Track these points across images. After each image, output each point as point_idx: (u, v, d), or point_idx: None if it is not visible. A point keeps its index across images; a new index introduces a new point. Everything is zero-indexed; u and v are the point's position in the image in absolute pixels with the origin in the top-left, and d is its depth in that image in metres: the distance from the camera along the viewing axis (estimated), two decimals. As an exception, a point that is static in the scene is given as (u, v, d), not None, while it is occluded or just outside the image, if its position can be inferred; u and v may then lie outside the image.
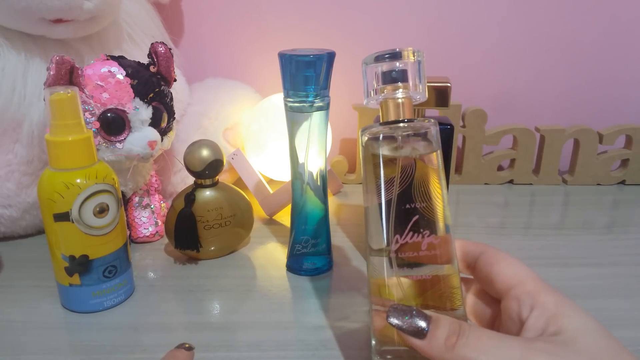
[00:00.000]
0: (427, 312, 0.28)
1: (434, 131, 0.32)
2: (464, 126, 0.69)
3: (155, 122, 0.49)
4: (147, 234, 0.53)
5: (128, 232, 0.50)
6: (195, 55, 0.72)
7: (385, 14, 0.70)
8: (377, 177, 0.32)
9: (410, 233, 0.31)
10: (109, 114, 0.46)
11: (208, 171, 0.48)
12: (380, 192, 0.32)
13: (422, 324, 0.28)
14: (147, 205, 0.54)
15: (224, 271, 0.49)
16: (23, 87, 0.49)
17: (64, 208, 0.38)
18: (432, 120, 0.33)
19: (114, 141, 0.47)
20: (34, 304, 0.43)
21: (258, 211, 0.60)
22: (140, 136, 0.48)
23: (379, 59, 0.33)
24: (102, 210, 0.40)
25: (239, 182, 0.62)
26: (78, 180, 0.38)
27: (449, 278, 0.32)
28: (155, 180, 0.56)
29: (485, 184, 0.72)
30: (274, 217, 0.61)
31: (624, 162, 0.70)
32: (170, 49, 0.50)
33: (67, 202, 0.38)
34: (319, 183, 0.46)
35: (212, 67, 0.73)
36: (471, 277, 0.34)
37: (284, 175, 0.64)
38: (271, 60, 0.45)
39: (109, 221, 0.40)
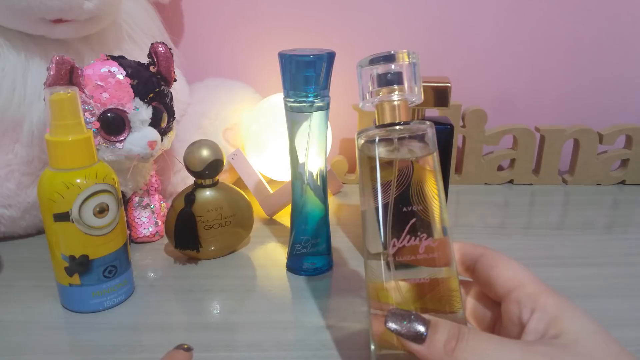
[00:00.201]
0: (426, 316, 0.28)
1: (430, 133, 0.32)
2: (464, 126, 0.69)
3: (155, 122, 0.49)
4: (147, 234, 0.53)
5: (128, 232, 0.50)
6: (195, 55, 0.72)
7: (385, 14, 0.70)
8: (374, 180, 0.32)
9: (408, 237, 0.31)
10: (109, 114, 0.46)
11: (208, 171, 0.48)
12: (377, 196, 0.31)
13: (421, 328, 0.27)
14: (147, 205, 0.54)
15: (224, 271, 0.49)
16: (23, 87, 0.49)
17: (64, 208, 0.38)
18: (429, 122, 0.32)
19: (114, 141, 0.47)
20: (34, 304, 0.43)
21: (258, 211, 0.60)
22: (140, 136, 0.48)
23: (373, 61, 0.33)
24: (102, 210, 0.40)
25: (239, 182, 0.62)
26: (78, 180, 0.38)
27: (447, 281, 0.31)
28: (155, 180, 0.56)
29: (485, 184, 0.72)
30: (274, 217, 0.61)
31: (624, 162, 0.70)
32: (170, 49, 0.50)
33: (67, 202, 0.38)
34: (319, 183, 0.46)
35: (212, 67, 0.73)
36: (470, 279, 0.34)
37: (284, 175, 0.64)
38: (271, 60, 0.45)
39: (109, 221, 0.40)
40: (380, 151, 0.32)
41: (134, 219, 0.53)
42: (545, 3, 0.70)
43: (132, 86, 0.47)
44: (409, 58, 0.32)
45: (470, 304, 0.34)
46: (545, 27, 0.71)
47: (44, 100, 0.44)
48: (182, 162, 0.49)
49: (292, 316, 0.42)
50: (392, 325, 0.28)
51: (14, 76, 0.48)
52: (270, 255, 0.52)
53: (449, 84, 0.46)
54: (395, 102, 0.32)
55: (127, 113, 0.47)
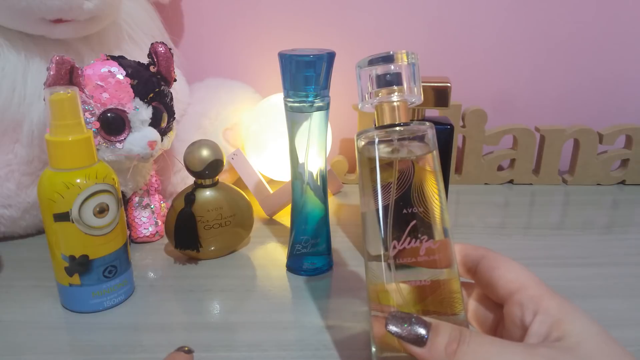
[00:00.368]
0: (427, 319, 0.28)
1: (430, 134, 0.32)
2: (464, 126, 0.69)
3: (155, 122, 0.49)
4: (147, 234, 0.53)
5: (128, 232, 0.50)
6: (195, 55, 0.72)
7: (385, 14, 0.70)
8: (374, 182, 0.31)
9: (408, 239, 0.31)
10: (109, 114, 0.46)
11: (208, 171, 0.48)
12: (377, 197, 0.31)
13: (422, 331, 0.27)
14: (147, 205, 0.54)
15: (224, 271, 0.49)
16: (23, 87, 0.49)
17: (64, 208, 0.38)
18: (428, 123, 0.32)
19: (114, 141, 0.47)
20: (34, 304, 0.43)
21: (258, 211, 0.60)
22: (140, 136, 0.48)
23: (372, 62, 0.32)
24: (102, 210, 0.40)
25: (239, 182, 0.62)
26: (78, 180, 0.38)
27: (449, 282, 0.31)
28: (155, 180, 0.56)
29: (485, 184, 0.72)
30: (274, 217, 0.61)
31: (624, 162, 0.70)
32: (170, 49, 0.50)
33: (67, 202, 0.38)
34: (319, 183, 0.46)
35: (212, 67, 0.73)
36: (472, 281, 0.33)
37: (284, 175, 0.64)
38: (271, 60, 0.45)
39: (109, 221, 0.40)
40: (380, 152, 0.32)
41: (134, 219, 0.53)
42: (545, 3, 0.70)
43: (132, 86, 0.47)
44: (407, 58, 0.32)
45: (472, 306, 0.33)
46: (545, 27, 0.71)
47: (44, 100, 0.44)
48: (182, 162, 0.49)
49: (292, 316, 0.42)
50: (392, 328, 0.28)
51: (14, 76, 0.48)
52: (270, 255, 0.52)
53: (449, 84, 0.46)
54: (395, 103, 0.32)
55: (127, 113, 0.47)
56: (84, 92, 0.45)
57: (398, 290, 0.31)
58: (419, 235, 0.31)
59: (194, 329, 0.40)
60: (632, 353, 0.26)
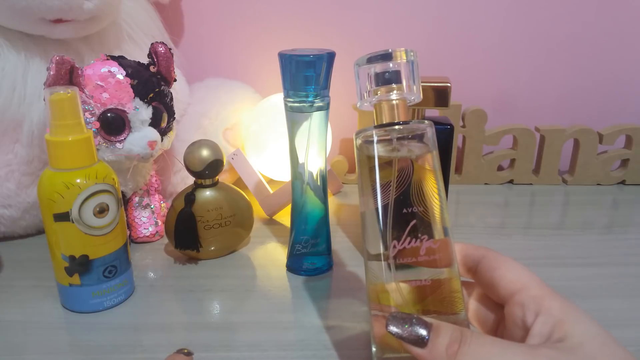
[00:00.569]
0: (428, 319, 0.28)
1: (430, 133, 0.32)
2: (464, 126, 0.69)
3: (155, 122, 0.49)
4: (147, 234, 0.53)
5: (128, 232, 0.50)
6: (195, 55, 0.72)
7: (385, 14, 0.70)
8: (373, 181, 0.31)
9: (408, 239, 0.30)
10: (109, 114, 0.46)
11: (208, 171, 0.48)
12: (377, 197, 0.31)
13: (423, 332, 0.27)
14: (147, 205, 0.54)
15: (224, 271, 0.49)
16: (23, 87, 0.49)
17: (64, 208, 0.38)
18: (428, 122, 0.32)
19: (114, 141, 0.47)
20: (34, 304, 0.43)
21: (258, 211, 0.60)
22: (140, 136, 0.48)
23: (371, 60, 0.32)
24: (102, 210, 0.40)
25: (239, 182, 0.62)
26: (78, 180, 0.38)
27: (449, 282, 0.31)
28: (155, 180, 0.56)
29: (485, 184, 0.72)
30: (274, 217, 0.61)
31: (624, 162, 0.70)
32: (170, 49, 0.50)
33: (67, 202, 0.38)
34: (319, 183, 0.46)
35: (212, 67, 0.73)
36: (472, 281, 0.33)
37: (284, 175, 0.64)
38: (271, 60, 0.45)
39: (109, 221, 0.40)
40: (379, 151, 0.31)
41: (134, 219, 0.53)
42: (545, 3, 0.70)
43: (132, 86, 0.47)
44: (406, 56, 0.32)
45: (472, 306, 0.33)
46: (545, 27, 0.71)
47: (44, 100, 0.44)
48: (182, 162, 0.49)
49: (292, 316, 0.42)
50: (393, 329, 0.27)
51: (14, 76, 0.48)
52: (270, 255, 0.52)
53: (449, 84, 0.46)
54: (394, 101, 0.32)
55: (127, 113, 0.47)
56: (84, 92, 0.45)
57: (398, 290, 0.31)
58: (419, 235, 0.30)
59: (194, 329, 0.40)
60: (632, 353, 0.26)
